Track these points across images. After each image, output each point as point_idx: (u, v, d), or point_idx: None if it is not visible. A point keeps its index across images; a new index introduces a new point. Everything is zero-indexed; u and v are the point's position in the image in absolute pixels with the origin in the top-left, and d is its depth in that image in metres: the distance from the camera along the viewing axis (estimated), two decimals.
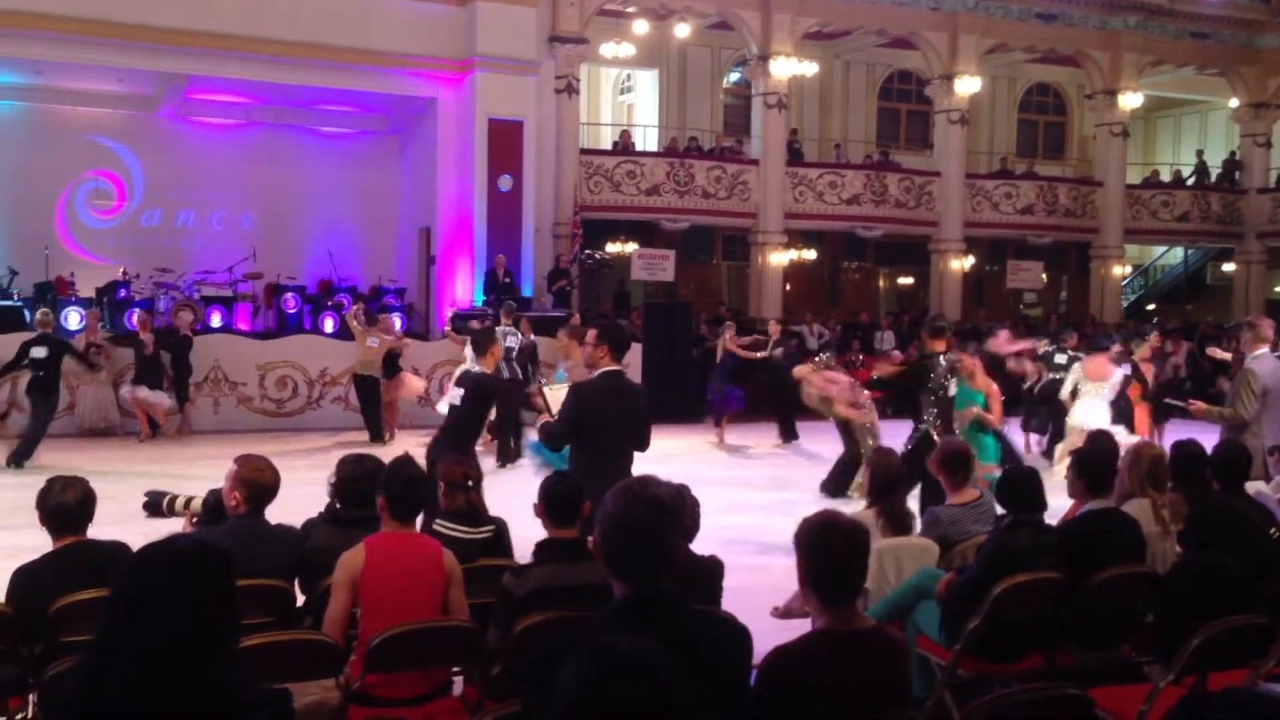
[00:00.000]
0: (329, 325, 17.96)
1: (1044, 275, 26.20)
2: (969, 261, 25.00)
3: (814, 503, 9.60)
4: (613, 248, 22.54)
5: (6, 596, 4.23)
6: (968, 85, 23.62)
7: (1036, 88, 28.82)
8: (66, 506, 4.35)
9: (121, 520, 4.79)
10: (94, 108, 19.68)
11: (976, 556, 5.04)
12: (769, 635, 3.17)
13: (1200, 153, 28.23)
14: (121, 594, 2.06)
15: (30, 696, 4.00)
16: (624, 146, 22.68)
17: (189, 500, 5.30)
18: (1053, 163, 28.39)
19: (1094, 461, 5.41)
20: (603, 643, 1.88)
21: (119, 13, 16.61)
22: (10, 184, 18.88)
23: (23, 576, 4.25)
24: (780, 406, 15.43)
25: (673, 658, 1.90)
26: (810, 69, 23.20)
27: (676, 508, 2.85)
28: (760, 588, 5.80)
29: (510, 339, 13.20)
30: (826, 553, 2.93)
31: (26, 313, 16.56)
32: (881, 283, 28.15)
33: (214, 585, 2.07)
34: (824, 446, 13.45)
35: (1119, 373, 11.61)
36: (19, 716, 3.95)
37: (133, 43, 16.90)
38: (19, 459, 12.00)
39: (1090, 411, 10.87)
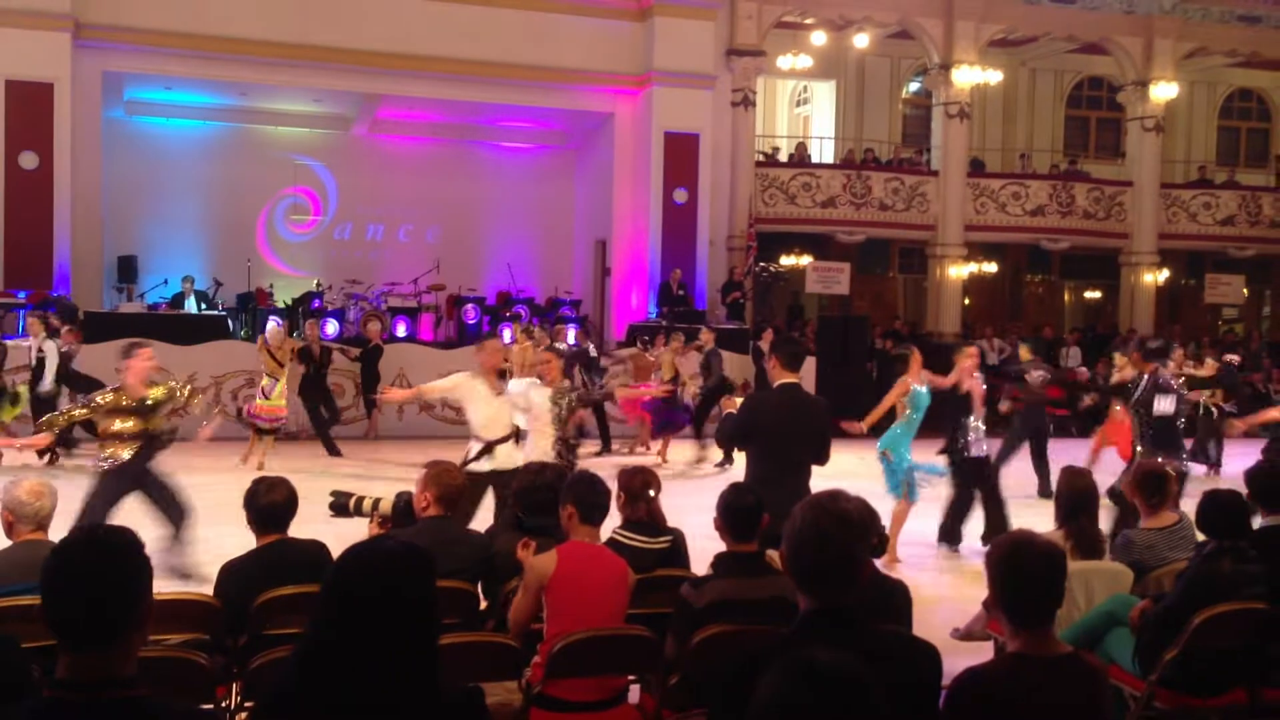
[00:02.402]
0: (507, 335, 18.36)
1: (1245, 290, 24.76)
2: (1163, 275, 23.86)
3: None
4: (787, 260, 22.37)
5: (215, 590, 4.47)
6: (1164, 91, 22.57)
7: (1239, 93, 27.29)
8: (274, 506, 4.60)
9: (310, 520, 5.00)
10: (294, 127, 20.73)
11: (1176, 584, 4.80)
12: (948, 657, 3.07)
13: None
14: (333, 592, 2.15)
15: (234, 685, 4.20)
16: (800, 158, 22.53)
17: (376, 501, 5.49)
18: (1256, 171, 26.79)
19: None
20: (802, 655, 1.86)
21: (319, 37, 17.51)
22: (218, 200, 20.05)
23: (229, 572, 4.49)
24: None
25: (870, 672, 1.87)
26: (994, 77, 22.55)
27: (865, 523, 2.80)
28: (933, 606, 5.65)
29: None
30: (1021, 574, 2.83)
31: (230, 322, 17.52)
32: (1067, 297, 27.11)
33: (419, 585, 2.15)
34: None
35: None
36: (223, 704, 4.14)
37: (331, 64, 17.77)
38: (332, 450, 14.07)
39: None
